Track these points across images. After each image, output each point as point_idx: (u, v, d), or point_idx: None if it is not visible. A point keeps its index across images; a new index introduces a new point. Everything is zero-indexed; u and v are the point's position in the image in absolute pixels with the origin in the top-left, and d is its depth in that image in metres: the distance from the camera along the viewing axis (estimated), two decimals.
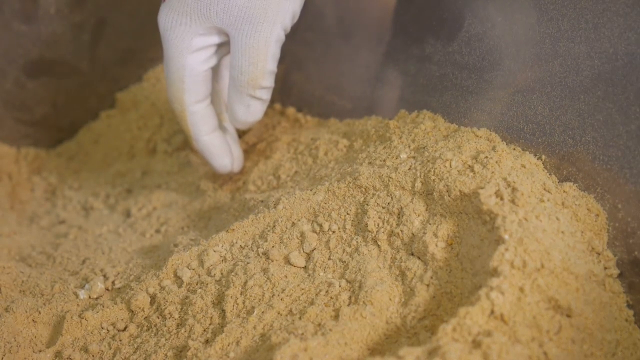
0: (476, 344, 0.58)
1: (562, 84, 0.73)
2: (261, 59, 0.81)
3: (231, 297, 0.72)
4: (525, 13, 0.76)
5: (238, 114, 0.86)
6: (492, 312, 0.60)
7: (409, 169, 0.75)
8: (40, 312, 0.76)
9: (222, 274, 0.75)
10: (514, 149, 0.76)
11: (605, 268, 0.68)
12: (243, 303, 0.71)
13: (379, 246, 0.73)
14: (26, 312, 0.76)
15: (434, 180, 0.72)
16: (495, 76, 0.79)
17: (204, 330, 0.71)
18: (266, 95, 0.85)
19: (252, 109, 0.85)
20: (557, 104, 0.73)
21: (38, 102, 1.13)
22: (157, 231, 0.94)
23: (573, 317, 0.61)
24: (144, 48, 1.15)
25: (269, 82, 0.84)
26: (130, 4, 1.11)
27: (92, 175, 1.10)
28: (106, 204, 1.05)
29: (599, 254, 0.68)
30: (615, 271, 0.68)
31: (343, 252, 0.74)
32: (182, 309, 0.74)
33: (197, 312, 0.73)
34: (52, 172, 1.14)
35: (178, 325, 0.73)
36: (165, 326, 0.73)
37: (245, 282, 0.73)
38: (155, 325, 0.74)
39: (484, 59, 0.80)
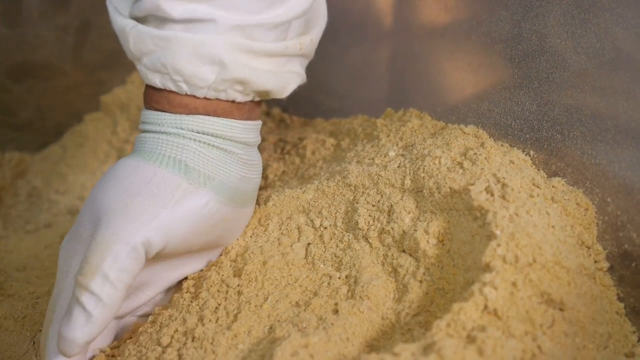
0: (471, 339, 0.58)
1: (549, 80, 0.73)
2: (97, 255, 0.64)
3: (249, 273, 0.72)
4: (511, 10, 0.77)
5: (60, 325, 0.65)
6: (486, 307, 0.60)
7: (398, 166, 0.75)
8: (29, 315, 0.77)
9: (237, 254, 0.75)
10: (502, 146, 0.76)
11: (596, 262, 0.69)
12: (262, 283, 0.71)
13: (370, 244, 0.73)
14: (13, 317, 0.76)
15: (423, 177, 0.72)
16: (482, 73, 0.80)
17: (218, 306, 0.71)
18: (93, 306, 0.63)
19: (72, 320, 0.63)
20: (545, 99, 0.73)
21: (22, 106, 1.13)
22: None
23: (565, 310, 0.62)
24: None
25: (99, 288, 0.63)
26: None
27: (78, 178, 1.10)
28: None
29: (588, 247, 0.69)
30: (605, 264, 0.68)
31: (337, 248, 0.74)
32: (195, 284, 0.74)
33: (211, 285, 0.73)
34: (37, 176, 1.14)
35: (192, 299, 0.73)
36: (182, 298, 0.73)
37: (265, 262, 0.73)
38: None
39: (472, 56, 0.81)
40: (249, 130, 0.75)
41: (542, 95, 0.74)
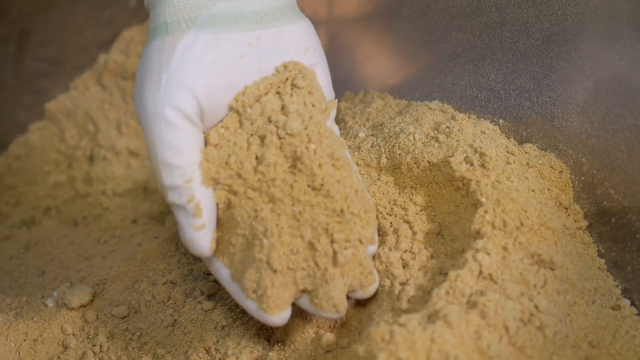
0: (472, 304, 0.60)
1: (513, 49, 0.75)
2: (150, 152, 0.64)
3: None
4: None
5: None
6: (481, 272, 0.62)
7: (372, 146, 0.76)
8: (12, 326, 0.75)
9: None
10: (470, 117, 0.78)
11: (575, 221, 0.71)
12: None
13: None
14: None
15: (399, 154, 0.73)
16: (443, 49, 0.81)
17: None
18: (180, 198, 0.64)
19: (179, 225, 0.65)
20: (510, 69, 0.75)
21: None
22: (113, 236, 0.93)
23: (556, 269, 0.64)
24: (69, 56, 1.13)
25: (169, 178, 0.64)
26: (53, 13, 1.10)
27: (29, 189, 1.08)
28: (48, 215, 1.03)
29: (566, 208, 0.71)
30: (584, 223, 0.71)
31: None
32: None
33: None
34: None
35: None
36: None
37: None
38: None
39: (431, 33, 0.82)
40: None
41: (507, 64, 0.75)
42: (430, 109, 0.79)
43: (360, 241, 0.66)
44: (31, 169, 1.11)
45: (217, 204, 0.66)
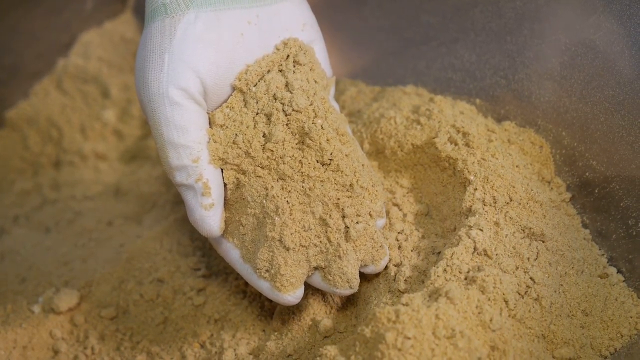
0: (470, 280, 0.61)
1: (486, 29, 0.76)
2: (155, 135, 0.64)
3: None
4: None
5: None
6: (475, 248, 0.63)
7: (353, 133, 0.76)
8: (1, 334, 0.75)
9: None
10: (446, 99, 0.78)
11: (559, 194, 0.72)
12: None
13: None
14: None
15: (382, 138, 0.74)
16: (415, 33, 0.82)
17: None
18: (188, 178, 0.64)
19: (188, 206, 0.65)
20: (484, 49, 0.76)
21: None
22: (90, 239, 0.92)
23: (547, 241, 0.65)
24: (27, 63, 1.11)
25: (177, 159, 0.64)
26: (8, 20, 1.08)
27: None
28: (17, 224, 1.02)
29: (549, 182, 0.72)
30: (567, 195, 0.72)
31: None
32: None
33: None
34: None
35: None
36: None
37: None
38: None
39: (401, 18, 0.83)
40: None
41: (481, 45, 0.76)
42: (406, 93, 0.80)
43: (371, 215, 0.66)
44: None
45: (225, 185, 0.67)
